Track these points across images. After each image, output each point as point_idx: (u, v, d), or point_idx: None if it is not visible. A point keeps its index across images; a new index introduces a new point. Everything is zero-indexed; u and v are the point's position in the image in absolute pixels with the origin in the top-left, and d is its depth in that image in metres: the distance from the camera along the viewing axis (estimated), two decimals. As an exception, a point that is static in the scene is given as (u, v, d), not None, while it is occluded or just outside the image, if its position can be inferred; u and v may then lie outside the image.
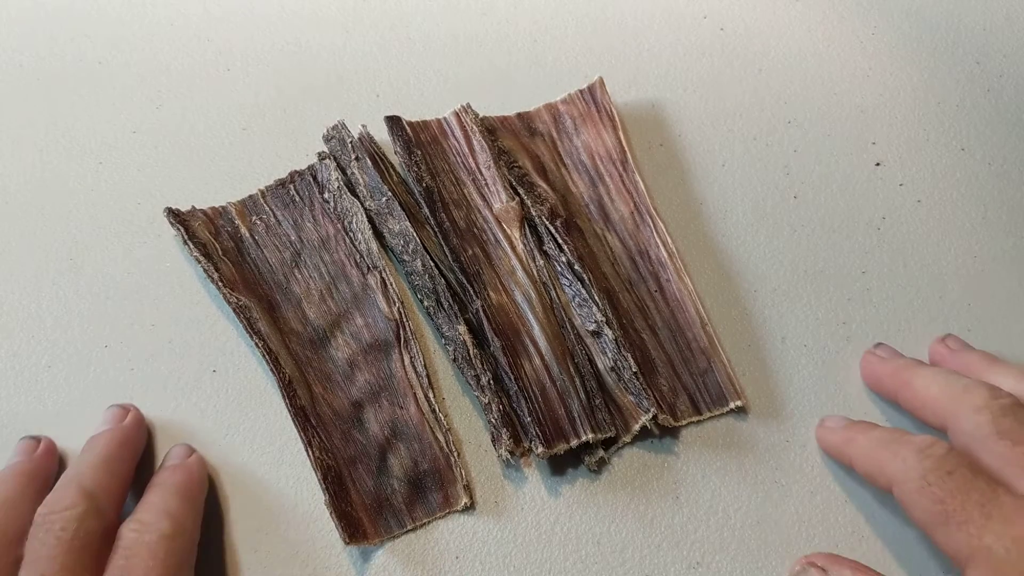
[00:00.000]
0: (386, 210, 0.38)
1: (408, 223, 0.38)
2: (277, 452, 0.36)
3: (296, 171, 0.41)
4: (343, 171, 0.40)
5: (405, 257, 0.38)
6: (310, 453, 0.34)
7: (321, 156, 0.40)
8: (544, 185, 0.40)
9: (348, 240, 0.39)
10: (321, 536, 0.34)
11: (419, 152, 0.39)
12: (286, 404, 0.35)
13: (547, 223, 0.38)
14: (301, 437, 0.34)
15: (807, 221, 0.40)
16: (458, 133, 0.40)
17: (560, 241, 0.37)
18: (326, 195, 0.40)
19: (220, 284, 0.37)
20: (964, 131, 0.43)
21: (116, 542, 0.31)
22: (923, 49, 0.45)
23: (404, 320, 0.37)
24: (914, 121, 0.43)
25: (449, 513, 0.34)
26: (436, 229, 0.38)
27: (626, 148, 0.41)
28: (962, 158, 0.42)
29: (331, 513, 0.33)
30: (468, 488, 0.34)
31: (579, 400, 0.34)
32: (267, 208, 0.40)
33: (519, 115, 0.42)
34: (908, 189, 0.41)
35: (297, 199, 0.40)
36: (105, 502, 0.32)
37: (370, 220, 0.38)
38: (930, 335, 0.37)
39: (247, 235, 0.39)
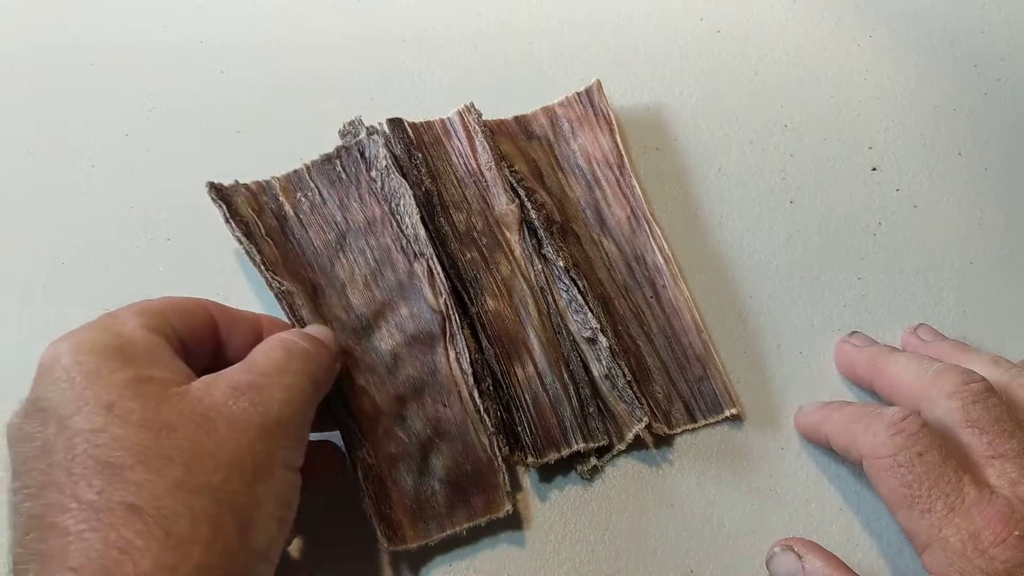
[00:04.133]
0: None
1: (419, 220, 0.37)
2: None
3: (343, 146, 0.39)
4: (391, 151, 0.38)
5: None
6: (349, 452, 0.33)
7: (370, 131, 0.38)
8: (540, 190, 0.39)
9: (395, 223, 0.37)
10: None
11: (419, 155, 0.39)
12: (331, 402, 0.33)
13: (542, 229, 0.37)
14: (343, 434, 0.33)
15: (803, 226, 0.40)
16: (461, 133, 0.40)
17: (555, 247, 0.37)
18: (373, 173, 0.38)
19: (263, 267, 0.35)
20: (961, 135, 0.43)
21: None
22: (920, 53, 0.45)
23: (450, 313, 0.35)
24: (911, 125, 0.43)
25: (490, 519, 0.33)
26: (435, 234, 0.37)
27: (623, 152, 0.41)
28: (959, 162, 0.42)
29: (371, 514, 0.32)
30: (510, 495, 0.33)
31: (571, 408, 0.34)
32: (312, 185, 0.38)
33: (516, 119, 0.42)
34: (904, 194, 0.41)
35: (344, 176, 0.38)
36: None
37: (418, 204, 0.37)
38: (926, 341, 0.37)
39: (291, 213, 0.37)
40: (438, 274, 0.35)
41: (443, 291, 0.35)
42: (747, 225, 0.40)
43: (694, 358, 0.37)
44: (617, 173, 0.40)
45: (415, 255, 0.36)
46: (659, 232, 0.39)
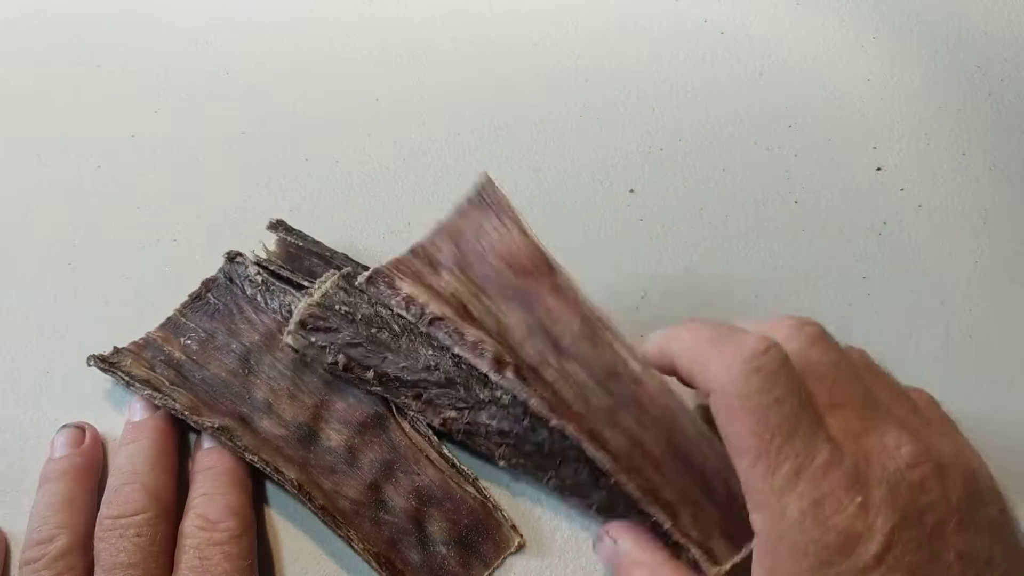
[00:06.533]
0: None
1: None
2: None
3: (208, 279, 0.38)
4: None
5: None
6: (355, 547, 0.32)
7: (231, 256, 0.38)
8: (474, 330, 0.33)
9: None
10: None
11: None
12: (310, 509, 0.32)
13: (496, 377, 0.31)
14: (339, 535, 0.32)
15: (808, 225, 0.40)
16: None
17: (524, 396, 0.31)
18: (249, 291, 0.37)
19: (186, 414, 0.33)
20: (965, 136, 0.43)
21: (181, 540, 0.31)
22: (924, 53, 0.45)
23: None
24: (915, 125, 0.43)
25: (505, 558, 0.33)
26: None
27: (541, 249, 0.34)
28: (963, 163, 0.42)
29: None
30: (515, 528, 0.33)
31: None
32: (191, 325, 0.37)
33: (413, 251, 0.35)
34: (909, 194, 0.41)
35: (220, 307, 0.37)
36: (169, 503, 0.32)
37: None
38: (932, 340, 0.37)
39: (183, 357, 0.36)
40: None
41: None
42: (752, 225, 0.40)
43: (712, 474, 0.30)
44: (549, 276, 0.33)
45: None
46: (620, 333, 0.32)
